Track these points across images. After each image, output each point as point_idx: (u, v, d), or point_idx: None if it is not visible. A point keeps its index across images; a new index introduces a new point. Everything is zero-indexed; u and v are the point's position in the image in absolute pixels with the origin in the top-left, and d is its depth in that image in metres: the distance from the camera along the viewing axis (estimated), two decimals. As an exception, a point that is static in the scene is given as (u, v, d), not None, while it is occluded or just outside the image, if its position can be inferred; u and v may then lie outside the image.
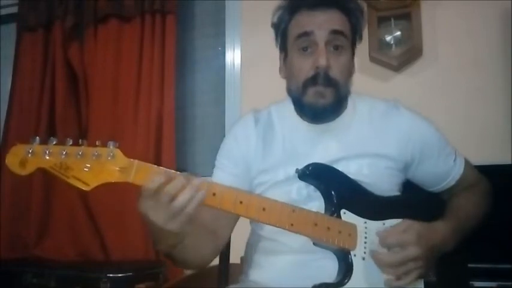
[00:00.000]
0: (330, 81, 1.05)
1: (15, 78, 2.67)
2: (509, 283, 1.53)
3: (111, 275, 1.97)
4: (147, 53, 2.43)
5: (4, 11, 2.94)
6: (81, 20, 2.56)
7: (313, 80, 1.06)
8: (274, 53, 1.21)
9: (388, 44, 2.10)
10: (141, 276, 2.03)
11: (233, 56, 2.44)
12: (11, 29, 2.82)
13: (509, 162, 1.80)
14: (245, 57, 2.40)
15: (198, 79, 2.63)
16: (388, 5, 2.07)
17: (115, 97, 2.48)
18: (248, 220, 1.19)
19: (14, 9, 2.80)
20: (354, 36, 1.13)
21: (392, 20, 2.09)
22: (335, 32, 1.06)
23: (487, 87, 1.99)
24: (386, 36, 2.10)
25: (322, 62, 1.04)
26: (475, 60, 2.02)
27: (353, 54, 1.14)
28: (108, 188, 0.80)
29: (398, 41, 2.09)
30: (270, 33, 1.20)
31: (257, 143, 1.15)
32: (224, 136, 1.24)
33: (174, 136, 2.38)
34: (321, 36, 1.06)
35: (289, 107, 1.17)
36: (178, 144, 2.42)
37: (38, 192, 2.48)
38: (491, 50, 2.00)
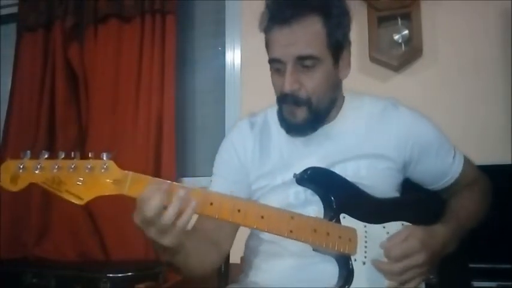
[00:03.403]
0: (299, 102, 1.04)
1: (15, 78, 2.67)
2: (509, 283, 1.53)
3: (111, 275, 1.97)
4: (147, 53, 2.43)
5: (4, 11, 2.93)
6: (81, 20, 2.56)
7: (284, 99, 1.06)
8: (274, 53, 1.21)
9: (396, 43, 2.09)
10: (141, 276, 2.02)
11: (233, 56, 2.44)
12: (11, 29, 2.82)
13: (509, 162, 1.81)
14: (245, 57, 2.40)
15: (198, 79, 2.62)
16: (388, 5, 2.07)
17: (115, 97, 2.48)
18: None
19: (14, 9, 2.80)
20: (335, 42, 1.05)
21: (399, 19, 2.07)
22: (300, 58, 1.02)
23: (487, 87, 1.99)
24: (394, 35, 2.08)
25: (287, 88, 1.03)
26: (475, 60, 2.02)
27: (336, 61, 1.07)
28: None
29: (406, 40, 2.07)
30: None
31: (254, 147, 1.15)
32: (224, 136, 1.23)
33: (174, 136, 2.38)
34: (287, 61, 1.03)
35: None
36: (178, 144, 2.42)
37: (38, 192, 2.46)
38: (491, 50, 2.00)
